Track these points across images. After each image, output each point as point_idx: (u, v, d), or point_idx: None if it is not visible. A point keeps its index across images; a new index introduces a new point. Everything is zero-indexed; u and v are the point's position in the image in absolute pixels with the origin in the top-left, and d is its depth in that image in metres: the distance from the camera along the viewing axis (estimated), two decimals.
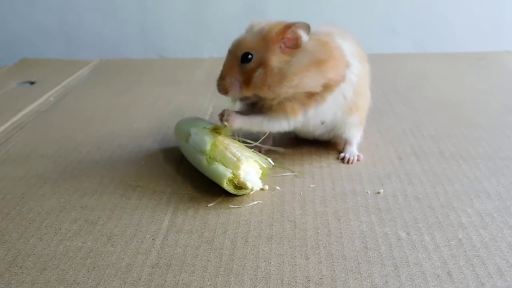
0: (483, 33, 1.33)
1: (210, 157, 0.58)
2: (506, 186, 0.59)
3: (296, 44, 0.59)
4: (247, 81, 0.59)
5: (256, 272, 0.45)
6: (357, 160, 0.66)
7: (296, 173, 0.63)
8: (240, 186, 0.57)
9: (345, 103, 0.63)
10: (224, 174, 0.56)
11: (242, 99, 0.62)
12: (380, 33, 1.34)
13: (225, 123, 0.60)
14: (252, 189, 0.58)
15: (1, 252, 0.49)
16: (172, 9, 1.35)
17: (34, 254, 0.48)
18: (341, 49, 0.62)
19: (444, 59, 1.20)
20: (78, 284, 0.44)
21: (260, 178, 0.59)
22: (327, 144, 0.71)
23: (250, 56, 0.59)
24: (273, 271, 0.45)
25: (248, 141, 0.62)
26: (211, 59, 1.25)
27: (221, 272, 0.45)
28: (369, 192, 0.59)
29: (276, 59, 0.58)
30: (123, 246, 0.49)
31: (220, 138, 0.60)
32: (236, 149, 0.59)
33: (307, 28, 0.58)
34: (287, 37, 0.58)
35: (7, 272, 0.46)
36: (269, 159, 0.60)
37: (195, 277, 0.45)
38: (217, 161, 0.58)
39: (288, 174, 0.63)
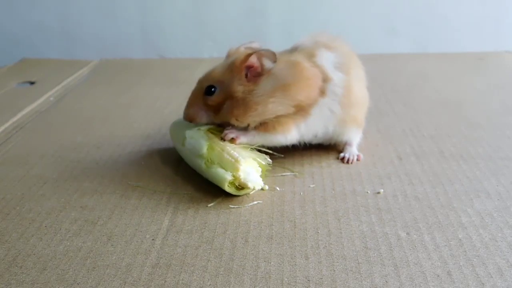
0: (483, 33, 1.33)
1: (208, 160, 0.58)
2: (506, 186, 0.59)
3: (258, 73, 0.59)
4: (215, 111, 0.60)
5: (256, 272, 0.45)
6: (357, 160, 0.66)
7: (296, 173, 0.63)
8: (241, 187, 0.57)
9: (334, 116, 0.63)
10: (224, 178, 0.56)
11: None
12: (380, 33, 1.34)
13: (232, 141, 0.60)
14: (254, 188, 0.58)
15: (1, 252, 0.49)
16: (172, 9, 1.36)
17: (34, 254, 0.48)
18: (318, 66, 0.61)
19: (444, 59, 1.20)
20: (78, 284, 0.44)
21: (261, 176, 0.59)
22: (327, 144, 0.71)
23: (213, 89, 0.60)
24: (273, 271, 0.45)
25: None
26: (211, 59, 1.25)
27: (221, 272, 0.45)
28: (369, 192, 0.59)
29: (240, 90, 0.59)
30: (123, 246, 0.49)
31: (216, 139, 0.60)
32: (233, 149, 0.59)
33: (270, 55, 0.58)
34: (248, 66, 0.59)
35: (7, 272, 0.46)
36: (267, 157, 0.60)
37: (195, 277, 0.45)
38: (215, 164, 0.58)
39: (288, 174, 0.63)
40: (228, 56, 0.63)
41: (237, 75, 0.59)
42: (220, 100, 0.60)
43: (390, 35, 1.34)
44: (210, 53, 1.36)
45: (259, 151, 0.61)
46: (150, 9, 1.36)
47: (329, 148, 0.70)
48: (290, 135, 0.62)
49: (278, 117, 0.60)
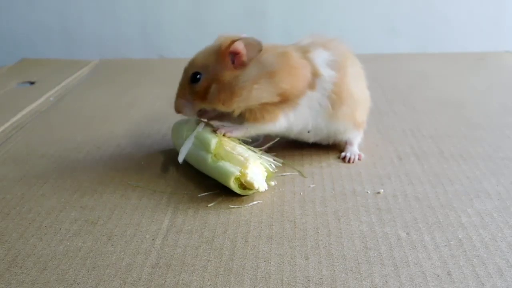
0: (484, 33, 1.33)
1: (215, 156, 0.58)
2: (506, 186, 0.59)
3: (243, 61, 0.59)
4: (201, 98, 0.60)
5: (256, 272, 0.45)
6: (358, 159, 0.66)
7: (299, 171, 0.63)
8: (245, 186, 0.57)
9: (323, 111, 0.63)
10: (231, 172, 0.56)
11: (200, 115, 0.64)
12: (380, 33, 1.34)
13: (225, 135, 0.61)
14: (258, 190, 0.57)
15: (1, 252, 0.49)
16: (172, 9, 1.36)
17: (34, 254, 0.48)
18: (309, 60, 0.62)
19: (444, 59, 1.20)
20: (78, 284, 0.44)
21: (266, 181, 0.58)
22: (327, 144, 0.71)
23: (198, 76, 0.60)
24: (273, 271, 0.45)
25: (250, 140, 0.62)
26: None
27: (221, 272, 0.45)
28: (369, 192, 0.59)
29: (227, 75, 0.59)
30: (123, 246, 0.49)
31: (225, 138, 0.60)
32: (243, 149, 0.59)
33: (255, 43, 0.58)
34: (234, 52, 0.59)
35: (7, 272, 0.46)
36: (272, 163, 0.60)
37: (195, 277, 0.45)
38: (223, 160, 0.58)
39: (288, 174, 0.63)
40: (216, 41, 0.63)
41: (223, 61, 0.59)
42: (206, 85, 0.60)
43: (390, 35, 1.34)
44: None
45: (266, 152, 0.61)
46: (150, 9, 1.36)
47: (329, 148, 0.70)
48: (279, 122, 0.62)
49: (265, 106, 0.60)
